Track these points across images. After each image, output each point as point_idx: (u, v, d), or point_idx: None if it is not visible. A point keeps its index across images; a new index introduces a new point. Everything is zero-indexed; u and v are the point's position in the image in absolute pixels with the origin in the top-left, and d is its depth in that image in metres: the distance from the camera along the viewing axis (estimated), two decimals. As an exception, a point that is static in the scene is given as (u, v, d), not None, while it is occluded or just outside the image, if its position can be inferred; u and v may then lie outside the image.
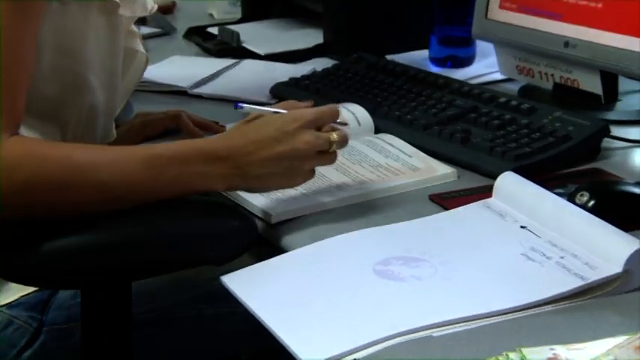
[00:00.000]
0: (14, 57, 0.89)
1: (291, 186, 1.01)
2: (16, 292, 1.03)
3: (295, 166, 0.98)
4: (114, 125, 1.14)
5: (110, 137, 1.12)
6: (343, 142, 1.00)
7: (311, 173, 1.00)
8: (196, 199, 0.98)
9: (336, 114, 1.03)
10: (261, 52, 1.67)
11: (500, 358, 0.75)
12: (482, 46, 1.58)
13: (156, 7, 1.15)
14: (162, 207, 0.94)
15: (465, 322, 0.81)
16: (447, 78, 1.38)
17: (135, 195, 0.92)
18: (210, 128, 1.27)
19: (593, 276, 0.85)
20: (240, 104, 1.13)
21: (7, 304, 1.04)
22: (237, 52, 1.68)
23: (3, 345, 1.04)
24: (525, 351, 0.75)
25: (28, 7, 0.90)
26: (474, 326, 0.81)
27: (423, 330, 0.80)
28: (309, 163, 0.99)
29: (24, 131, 0.97)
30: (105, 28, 1.04)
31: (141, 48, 1.15)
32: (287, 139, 0.96)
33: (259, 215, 1.04)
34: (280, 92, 1.45)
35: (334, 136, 0.99)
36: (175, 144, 0.99)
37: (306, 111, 1.03)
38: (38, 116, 0.95)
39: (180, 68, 1.59)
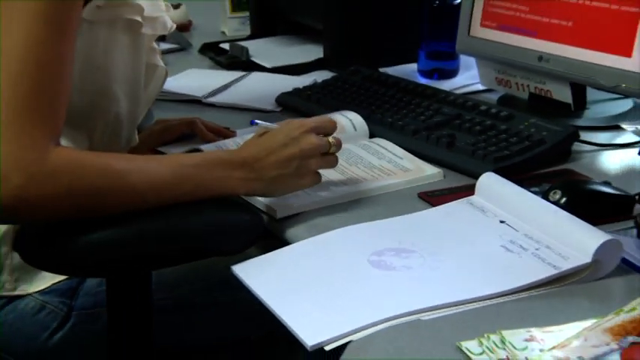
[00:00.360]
0: (56, 73, 0.88)
1: (302, 186, 1.01)
2: (48, 280, 1.03)
3: (303, 166, 0.98)
4: (136, 132, 1.13)
5: (133, 142, 1.12)
6: (339, 145, 1.01)
7: (317, 175, 1.01)
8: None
9: (335, 125, 1.04)
10: (268, 65, 1.67)
11: (482, 339, 0.75)
12: (465, 60, 1.57)
13: (174, 25, 1.14)
14: (180, 204, 0.94)
15: (450, 307, 0.81)
16: (433, 88, 1.38)
17: (162, 199, 0.92)
18: (222, 133, 1.28)
19: (565, 265, 0.85)
20: (255, 121, 1.17)
21: (40, 290, 1.03)
22: (247, 65, 1.67)
23: (37, 327, 1.03)
24: (505, 333, 0.75)
25: (67, 26, 0.89)
26: (458, 310, 0.81)
27: (413, 314, 0.80)
28: (314, 162, 0.99)
29: None
30: (129, 44, 1.04)
31: (161, 63, 1.15)
32: (294, 143, 0.97)
33: (266, 211, 1.03)
34: (285, 101, 1.44)
35: (332, 139, 1.00)
36: (198, 154, 1.02)
37: (308, 119, 1.04)
38: (68, 124, 0.94)
39: (195, 80, 1.59)
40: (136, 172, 0.91)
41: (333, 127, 1.03)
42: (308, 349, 0.76)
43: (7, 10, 0.86)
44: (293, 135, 0.98)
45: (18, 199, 0.83)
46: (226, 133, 1.27)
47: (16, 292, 1.03)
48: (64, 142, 0.95)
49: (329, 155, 1.01)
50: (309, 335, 0.77)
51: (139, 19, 1.01)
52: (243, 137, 1.18)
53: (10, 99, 0.84)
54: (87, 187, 0.87)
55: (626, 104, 1.37)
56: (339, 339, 0.76)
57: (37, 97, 0.86)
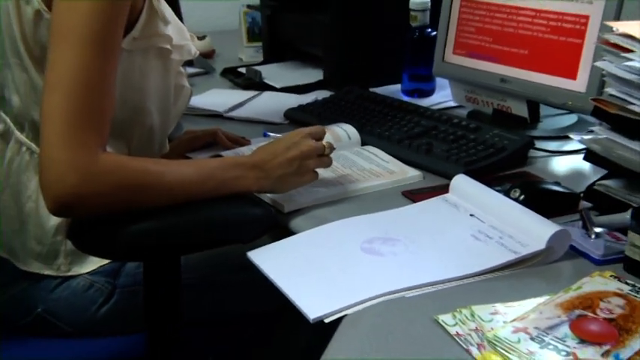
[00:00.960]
0: (102, 92, 0.88)
1: (303, 183, 1.01)
2: (96, 263, 1.02)
3: (303, 165, 0.98)
4: (167, 141, 1.12)
5: (164, 150, 1.11)
6: (331, 148, 1.02)
7: (315, 174, 1.01)
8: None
9: (323, 131, 1.05)
10: (277, 85, 1.66)
11: (455, 313, 0.75)
12: (440, 82, 1.56)
13: (198, 52, 1.14)
14: (206, 201, 0.93)
15: (429, 286, 0.81)
16: (414, 105, 1.37)
17: (190, 195, 0.92)
18: (239, 142, 1.27)
19: (524, 251, 0.85)
20: (267, 133, 1.20)
21: (89, 272, 1.02)
22: (260, 86, 1.66)
23: (86, 302, 1.03)
24: (474, 307, 0.75)
25: (111, 53, 0.89)
26: (435, 289, 0.81)
27: (398, 292, 0.79)
28: (313, 162, 1.00)
29: None
30: (160, 68, 1.03)
31: (187, 84, 1.14)
32: (295, 147, 0.98)
33: (275, 206, 1.02)
34: (291, 115, 1.43)
35: (326, 143, 1.02)
36: (219, 159, 1.03)
37: (304, 128, 1.05)
38: (110, 134, 0.94)
39: (217, 98, 1.58)
40: (168, 173, 0.91)
41: (323, 132, 1.04)
42: (310, 321, 0.75)
43: (62, 39, 0.86)
44: (294, 140, 0.99)
45: (72, 197, 0.84)
46: (243, 142, 1.27)
47: (70, 273, 1.02)
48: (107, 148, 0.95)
49: (324, 156, 1.01)
50: (312, 310, 0.77)
51: (168, 47, 1.01)
52: (257, 145, 1.17)
53: (64, 113, 0.84)
54: (129, 186, 0.87)
55: (572, 118, 1.36)
56: (337, 313, 0.76)
57: (87, 111, 0.85)
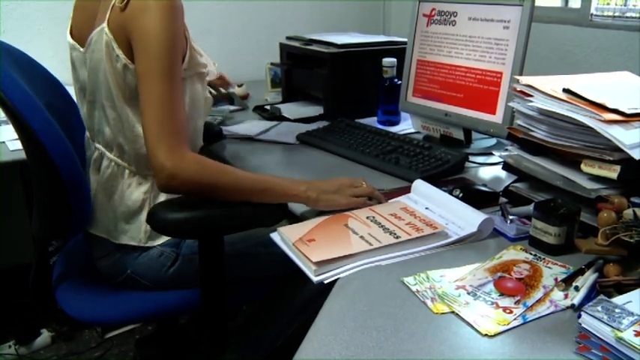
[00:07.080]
0: (177, 108, 0.87)
1: (338, 202, 0.92)
2: (164, 237, 1.01)
3: (342, 189, 0.94)
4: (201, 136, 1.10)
5: (200, 143, 1.08)
6: (369, 196, 0.94)
7: (351, 201, 0.93)
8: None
9: (368, 191, 0.95)
10: (292, 117, 1.65)
11: (415, 276, 0.74)
12: (404, 115, 1.55)
13: (219, 73, 1.11)
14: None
15: (398, 257, 0.80)
16: (386, 131, 1.36)
17: (244, 197, 0.89)
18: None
19: (462, 233, 0.85)
20: None
21: (160, 244, 1.02)
22: (279, 118, 1.66)
23: (159, 265, 1.02)
24: (428, 272, 0.75)
25: (177, 79, 0.88)
26: (402, 259, 0.80)
27: (376, 261, 0.78)
28: (349, 190, 0.94)
29: None
30: (200, 87, 1.02)
31: (209, 95, 1.11)
32: (339, 180, 0.95)
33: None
34: (301, 138, 1.42)
35: (367, 187, 0.95)
36: (273, 178, 0.93)
37: (354, 179, 0.98)
38: None
39: (250, 126, 1.57)
40: (235, 174, 0.88)
41: (368, 193, 0.95)
42: (314, 282, 0.74)
43: (147, 77, 0.87)
44: (342, 180, 0.95)
45: (170, 178, 0.84)
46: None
47: (147, 244, 1.01)
48: None
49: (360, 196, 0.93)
50: (311, 274, 0.75)
51: (204, 71, 1.01)
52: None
53: (155, 124, 0.85)
54: (204, 179, 0.86)
55: (493, 141, 1.36)
56: (332, 277, 0.75)
57: (168, 121, 0.85)
